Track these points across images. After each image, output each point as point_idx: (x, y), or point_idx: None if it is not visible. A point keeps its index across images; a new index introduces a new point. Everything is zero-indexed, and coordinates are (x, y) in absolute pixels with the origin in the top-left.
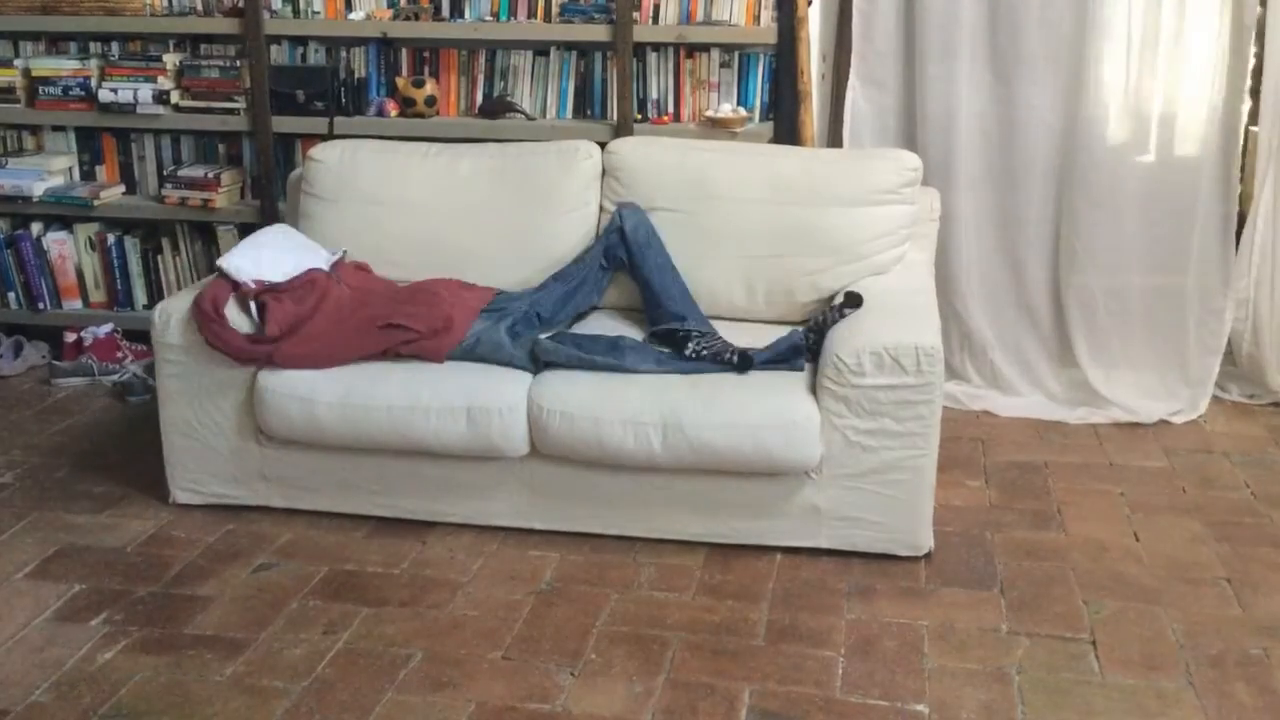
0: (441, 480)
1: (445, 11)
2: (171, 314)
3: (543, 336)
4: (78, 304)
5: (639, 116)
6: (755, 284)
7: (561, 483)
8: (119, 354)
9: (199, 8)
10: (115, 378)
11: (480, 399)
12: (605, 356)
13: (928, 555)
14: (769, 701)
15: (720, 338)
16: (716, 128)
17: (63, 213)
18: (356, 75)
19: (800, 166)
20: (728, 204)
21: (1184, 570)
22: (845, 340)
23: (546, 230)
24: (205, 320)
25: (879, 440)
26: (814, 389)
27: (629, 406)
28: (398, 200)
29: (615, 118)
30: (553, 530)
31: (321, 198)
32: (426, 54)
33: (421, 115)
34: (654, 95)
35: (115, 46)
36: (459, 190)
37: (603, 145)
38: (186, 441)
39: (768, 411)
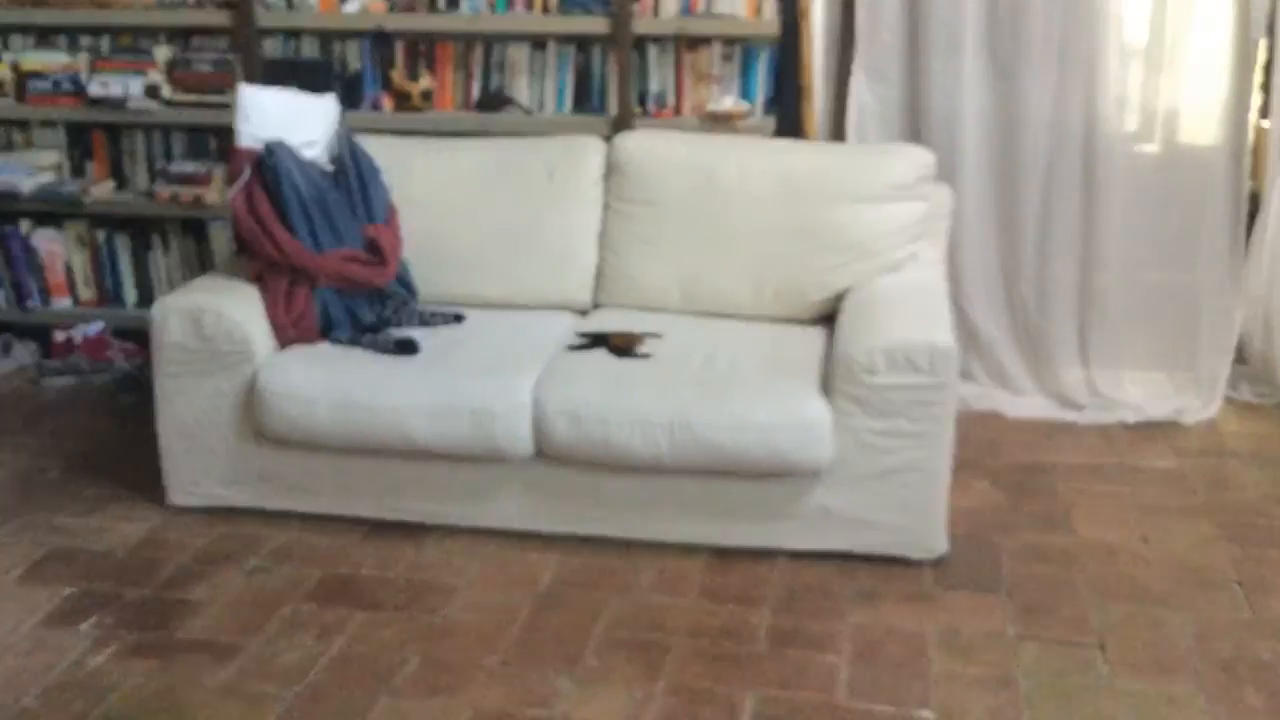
0: (443, 482)
1: (441, 3)
2: (170, 312)
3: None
4: (67, 302)
5: (638, 110)
6: (764, 282)
7: (564, 485)
8: (109, 353)
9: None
10: (105, 377)
11: (483, 400)
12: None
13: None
14: (772, 707)
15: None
16: (717, 121)
17: (52, 209)
18: (351, 69)
19: (811, 162)
20: (737, 200)
21: (1194, 573)
22: (858, 339)
23: (550, 228)
24: (242, 222)
25: (892, 441)
26: (826, 388)
27: (637, 407)
28: (396, 196)
29: (614, 111)
30: (552, 533)
31: None
32: (422, 47)
33: (417, 109)
34: (654, 88)
35: (105, 40)
36: (459, 186)
37: (605, 140)
38: (185, 442)
39: (778, 411)
